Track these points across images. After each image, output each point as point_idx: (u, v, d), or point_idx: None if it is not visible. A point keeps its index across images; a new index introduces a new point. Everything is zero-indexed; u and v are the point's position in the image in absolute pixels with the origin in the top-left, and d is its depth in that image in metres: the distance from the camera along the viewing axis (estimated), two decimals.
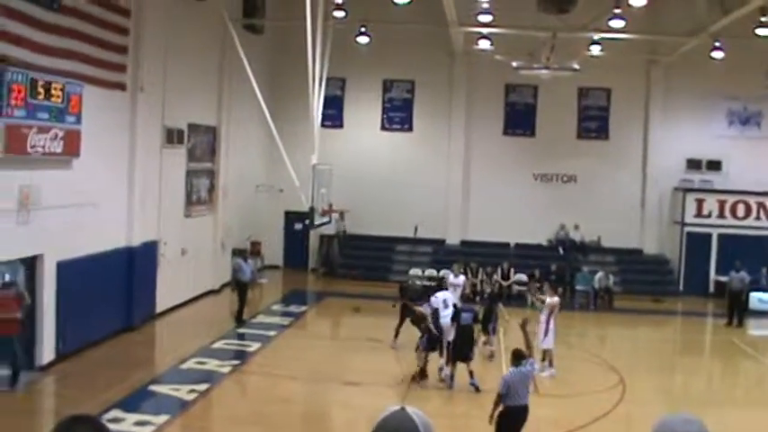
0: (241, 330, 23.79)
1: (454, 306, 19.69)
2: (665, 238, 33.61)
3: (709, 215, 32.31)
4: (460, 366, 18.55)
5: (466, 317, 18.99)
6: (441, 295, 20.16)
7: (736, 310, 27.68)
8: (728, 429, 16.61)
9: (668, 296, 31.60)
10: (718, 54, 27.90)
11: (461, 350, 18.67)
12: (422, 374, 19.01)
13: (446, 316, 19.39)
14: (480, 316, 20.48)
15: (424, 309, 19.88)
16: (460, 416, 17.46)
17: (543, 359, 19.99)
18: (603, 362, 21.56)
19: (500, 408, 13.30)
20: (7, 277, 17.93)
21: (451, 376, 18.68)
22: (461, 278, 24.14)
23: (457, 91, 34.05)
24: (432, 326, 19.21)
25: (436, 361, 19.16)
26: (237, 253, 30.07)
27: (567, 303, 27.16)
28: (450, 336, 19.09)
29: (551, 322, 20.05)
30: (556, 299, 20.69)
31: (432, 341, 19.14)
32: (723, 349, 25.27)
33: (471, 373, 18.39)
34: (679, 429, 3.53)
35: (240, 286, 24.77)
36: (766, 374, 22.96)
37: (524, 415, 13.34)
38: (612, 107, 33.84)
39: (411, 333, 20.62)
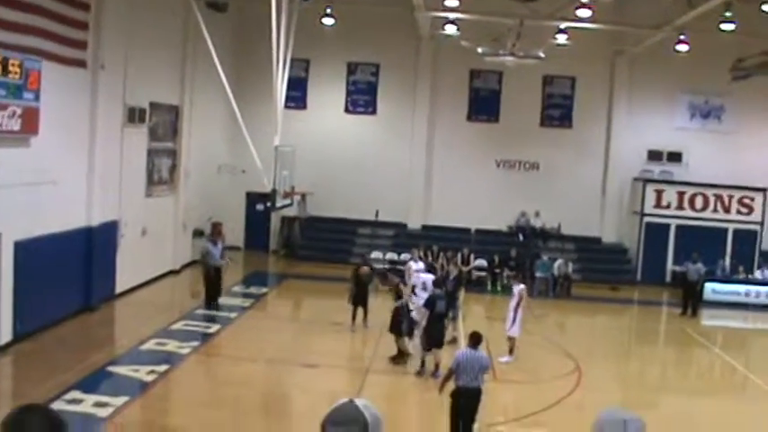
0: (204, 312, 23.66)
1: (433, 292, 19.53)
2: (625, 228, 33.95)
3: (668, 206, 32.69)
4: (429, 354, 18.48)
5: (441, 304, 18.71)
6: (425, 276, 20.40)
7: (691, 300, 28.07)
8: (680, 415, 17.01)
9: (626, 285, 31.97)
10: (682, 47, 28.14)
11: (435, 337, 18.49)
12: (401, 356, 19.10)
13: (421, 298, 19.43)
14: None
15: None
16: (417, 401, 17.60)
17: (510, 349, 20.27)
18: (560, 349, 21.76)
19: (452, 386, 13.50)
20: None
21: (422, 363, 18.56)
22: (421, 264, 24.20)
23: (422, 75, 34.04)
24: (409, 302, 19.29)
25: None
26: (198, 234, 30.02)
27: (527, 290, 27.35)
28: (423, 321, 18.97)
29: (519, 311, 20.18)
30: (522, 286, 20.82)
31: (410, 323, 19.21)
32: (677, 338, 25.67)
33: (437, 366, 18.16)
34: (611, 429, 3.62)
35: (210, 270, 24.05)
36: (717, 363, 23.34)
37: (475, 398, 13.45)
38: (577, 96, 34.04)
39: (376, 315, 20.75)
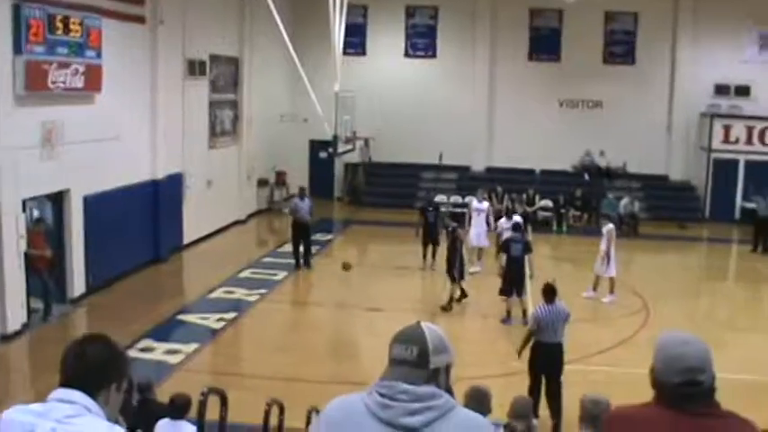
0: (268, 260, 24.00)
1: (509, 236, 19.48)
2: (692, 165, 33.35)
3: (737, 141, 31.96)
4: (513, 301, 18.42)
5: (517, 248, 18.45)
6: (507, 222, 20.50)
7: (762, 236, 27.56)
8: (751, 353, 16.85)
9: (694, 222, 31.50)
10: None
11: (511, 282, 18.31)
12: (451, 303, 19.13)
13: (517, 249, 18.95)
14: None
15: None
16: (488, 340, 17.71)
17: (595, 286, 20.50)
18: (628, 287, 21.63)
19: (531, 342, 13.05)
20: (36, 214, 18.19)
21: (508, 311, 18.41)
22: (485, 204, 23.97)
23: (481, 16, 33.68)
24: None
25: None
26: (263, 183, 30.27)
27: (592, 230, 27.23)
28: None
29: (612, 250, 20.15)
30: (611, 226, 20.72)
31: (462, 269, 19.15)
32: (748, 275, 25.31)
33: (525, 312, 17.97)
34: (676, 350, 3.66)
35: (300, 227, 22.99)
36: None
37: (558, 354, 12.85)
38: (639, 31, 33.37)
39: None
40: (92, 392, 3.16)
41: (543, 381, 12.81)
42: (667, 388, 3.62)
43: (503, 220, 21.47)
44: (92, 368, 3.20)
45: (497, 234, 21.82)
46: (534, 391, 12.65)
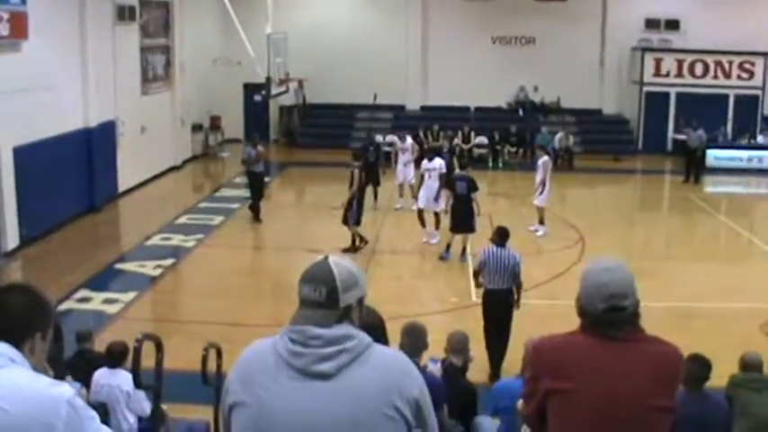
0: (204, 205, 23.90)
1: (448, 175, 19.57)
2: (624, 98, 33.70)
3: (668, 74, 32.40)
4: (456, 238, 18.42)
5: (461, 185, 18.29)
6: (438, 162, 20.12)
7: (693, 167, 28.12)
8: (685, 281, 17.28)
9: (627, 155, 31.98)
10: None
11: (459, 220, 18.23)
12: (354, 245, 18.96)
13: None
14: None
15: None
16: (427, 277, 17.90)
17: (540, 219, 20.61)
18: (564, 220, 21.95)
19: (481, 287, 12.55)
20: None
21: (447, 246, 18.43)
22: (408, 142, 24.11)
23: None
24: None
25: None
26: (197, 128, 29.97)
27: (528, 164, 27.51)
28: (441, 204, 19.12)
29: (547, 182, 20.31)
30: (546, 158, 20.89)
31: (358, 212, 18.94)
32: (680, 206, 25.76)
33: (464, 250, 18.22)
34: (599, 278, 3.75)
35: (253, 177, 22.20)
36: (720, 229, 23.53)
37: (506, 302, 12.26)
38: None
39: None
40: (16, 343, 3.14)
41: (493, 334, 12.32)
42: (592, 315, 3.72)
43: (424, 161, 20.69)
44: (14, 318, 3.16)
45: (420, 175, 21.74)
46: (489, 341, 12.26)
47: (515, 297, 12.31)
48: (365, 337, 3.12)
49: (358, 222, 18.89)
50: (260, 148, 22.31)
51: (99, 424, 3.19)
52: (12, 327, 3.16)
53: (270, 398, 3.05)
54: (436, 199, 19.54)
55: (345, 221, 18.85)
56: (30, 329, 3.20)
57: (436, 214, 19.56)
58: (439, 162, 20.19)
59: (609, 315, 3.66)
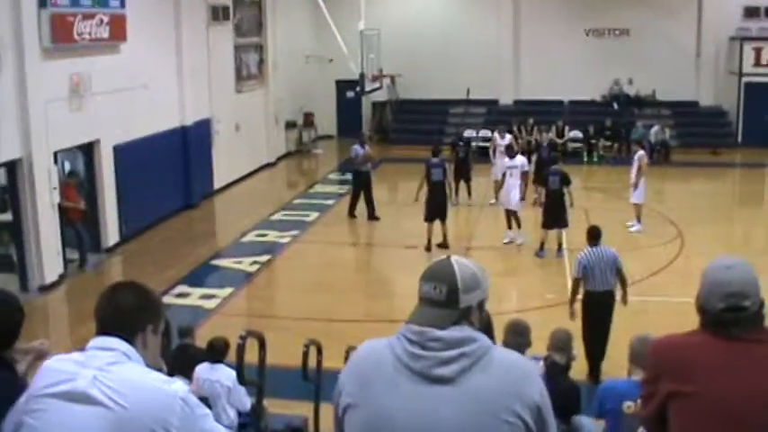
0: (299, 201, 24.06)
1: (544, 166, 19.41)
2: (722, 89, 32.80)
3: None
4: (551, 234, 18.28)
5: (554, 180, 18.11)
6: (520, 160, 19.82)
7: None
8: None
9: (726, 148, 31.11)
10: None
11: (555, 216, 18.06)
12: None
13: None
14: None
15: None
16: (523, 274, 17.73)
17: (638, 216, 20.22)
18: (662, 216, 21.51)
19: (579, 294, 12.20)
20: (68, 166, 18.31)
21: (542, 244, 18.27)
22: (507, 137, 23.79)
23: None
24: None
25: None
26: (291, 126, 30.20)
27: (623, 159, 27.05)
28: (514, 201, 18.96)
29: (641, 177, 19.94)
30: (642, 152, 20.55)
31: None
32: None
33: (560, 245, 18.12)
34: (719, 275, 3.61)
35: (359, 177, 21.80)
36: None
37: (607, 302, 12.03)
38: None
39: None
40: (128, 338, 3.20)
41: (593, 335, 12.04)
42: (711, 314, 3.58)
43: (506, 159, 20.10)
44: (124, 313, 3.23)
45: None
46: (592, 344, 11.97)
47: (622, 294, 12.11)
48: (486, 341, 3.03)
49: (427, 218, 18.75)
50: (367, 148, 22.06)
51: (212, 421, 3.23)
52: (123, 321, 3.23)
53: (387, 401, 2.98)
54: (521, 198, 19.37)
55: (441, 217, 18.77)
56: (140, 323, 3.26)
57: (515, 213, 19.21)
58: (521, 160, 19.93)
59: (728, 315, 3.52)
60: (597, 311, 12.01)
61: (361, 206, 21.66)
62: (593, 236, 12.37)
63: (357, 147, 21.83)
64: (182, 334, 9.99)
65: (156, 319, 3.33)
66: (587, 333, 12.02)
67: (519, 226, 19.20)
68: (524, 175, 19.64)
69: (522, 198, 19.59)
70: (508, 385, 2.98)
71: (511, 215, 19.20)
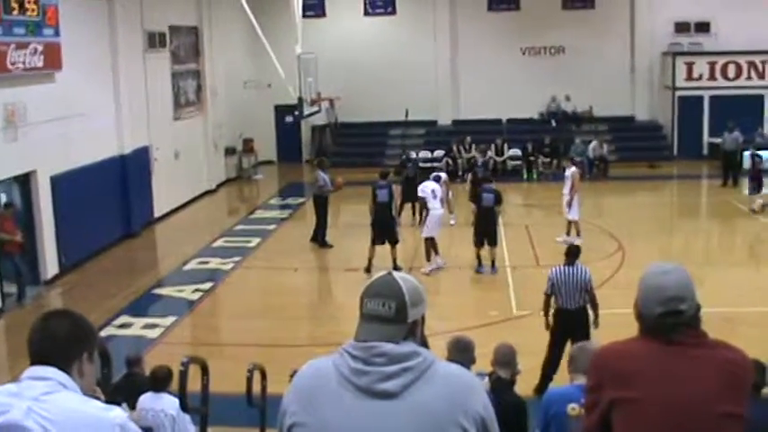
0: (240, 227, 23.93)
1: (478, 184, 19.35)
2: (657, 104, 33.44)
3: (700, 78, 32.00)
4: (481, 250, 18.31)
5: (488, 198, 18.23)
6: (429, 185, 19.45)
7: (731, 170, 27.78)
8: (729, 286, 16.99)
9: (663, 161, 31.63)
10: None
11: (486, 233, 18.19)
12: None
13: (436, 209, 19.00)
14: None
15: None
16: (464, 292, 17.78)
17: (568, 231, 20.31)
18: (602, 230, 21.75)
19: (552, 309, 12.24)
20: (3, 198, 18.02)
21: (479, 259, 18.36)
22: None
23: None
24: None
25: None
26: (230, 152, 30.07)
27: (562, 175, 27.28)
28: (436, 229, 18.86)
29: (574, 194, 20.17)
30: (574, 168, 20.81)
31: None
32: (720, 210, 25.49)
33: (493, 262, 18.22)
34: (656, 281, 3.65)
35: (323, 202, 21.72)
36: (762, 232, 23.15)
37: (579, 321, 11.97)
38: None
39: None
40: (63, 367, 3.14)
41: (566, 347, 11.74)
42: (649, 319, 3.61)
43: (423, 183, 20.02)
44: (60, 341, 3.18)
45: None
46: (552, 360, 11.95)
47: (594, 315, 12.04)
48: (429, 355, 3.03)
49: (373, 241, 18.69)
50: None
51: None
52: (58, 350, 3.17)
53: (332, 418, 2.97)
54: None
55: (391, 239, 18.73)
56: (76, 351, 3.20)
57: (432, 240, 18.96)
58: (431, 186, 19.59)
59: (666, 319, 3.56)
60: (566, 328, 11.95)
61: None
62: (569, 254, 12.40)
63: (321, 173, 21.65)
64: (130, 363, 9.86)
65: (91, 347, 3.28)
66: (551, 347, 12.07)
67: (436, 252, 18.91)
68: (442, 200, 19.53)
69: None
70: (453, 398, 2.98)
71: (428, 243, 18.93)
